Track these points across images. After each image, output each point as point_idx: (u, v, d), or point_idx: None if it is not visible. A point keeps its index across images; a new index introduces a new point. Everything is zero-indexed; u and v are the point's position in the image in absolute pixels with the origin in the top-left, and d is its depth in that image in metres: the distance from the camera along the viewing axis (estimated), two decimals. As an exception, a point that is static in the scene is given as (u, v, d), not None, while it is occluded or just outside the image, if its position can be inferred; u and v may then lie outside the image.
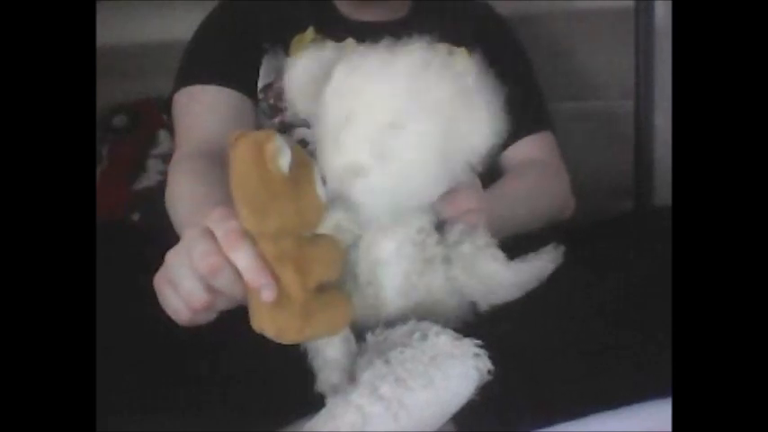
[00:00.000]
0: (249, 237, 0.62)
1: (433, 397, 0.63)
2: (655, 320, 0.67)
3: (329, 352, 0.69)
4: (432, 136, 0.68)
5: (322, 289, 0.64)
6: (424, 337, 0.67)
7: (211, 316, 0.66)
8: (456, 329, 0.72)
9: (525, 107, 1.05)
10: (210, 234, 0.63)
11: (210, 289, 0.62)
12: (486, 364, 0.65)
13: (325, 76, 0.72)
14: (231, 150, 0.62)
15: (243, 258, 0.61)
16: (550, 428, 0.66)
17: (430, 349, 0.66)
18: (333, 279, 0.65)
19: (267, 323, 0.62)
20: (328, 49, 0.75)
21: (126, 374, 0.67)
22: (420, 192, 0.71)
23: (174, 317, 0.65)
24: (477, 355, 0.65)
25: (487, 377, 0.65)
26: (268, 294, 0.60)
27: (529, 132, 1.07)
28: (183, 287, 0.63)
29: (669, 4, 1.34)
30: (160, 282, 0.65)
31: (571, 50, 1.40)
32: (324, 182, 0.65)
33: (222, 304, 0.64)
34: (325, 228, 0.70)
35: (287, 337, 0.62)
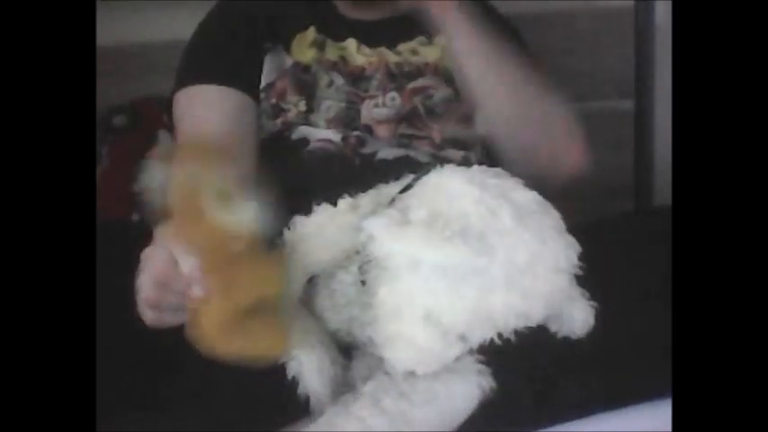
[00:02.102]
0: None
1: (435, 413, 0.63)
2: (655, 321, 0.67)
3: (308, 382, 0.68)
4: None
5: (255, 312, 0.63)
6: None
7: (176, 318, 0.66)
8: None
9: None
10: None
11: (158, 286, 0.64)
12: (488, 381, 0.65)
13: None
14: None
15: (184, 261, 0.63)
16: (551, 428, 0.66)
17: None
18: (265, 300, 0.64)
19: (192, 325, 0.63)
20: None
21: (126, 374, 0.67)
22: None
23: (142, 317, 0.66)
24: (479, 372, 0.65)
25: (489, 394, 0.65)
26: (196, 290, 0.62)
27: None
28: (139, 284, 0.65)
29: (669, 4, 1.34)
30: (136, 282, 0.67)
31: (571, 50, 1.40)
32: (251, 209, 0.65)
33: (173, 304, 0.65)
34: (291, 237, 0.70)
35: (203, 345, 0.63)
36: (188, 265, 0.63)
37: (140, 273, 0.67)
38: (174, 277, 0.64)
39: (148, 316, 0.66)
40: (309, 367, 0.68)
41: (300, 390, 0.68)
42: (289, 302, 0.69)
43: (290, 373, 0.68)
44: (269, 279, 0.66)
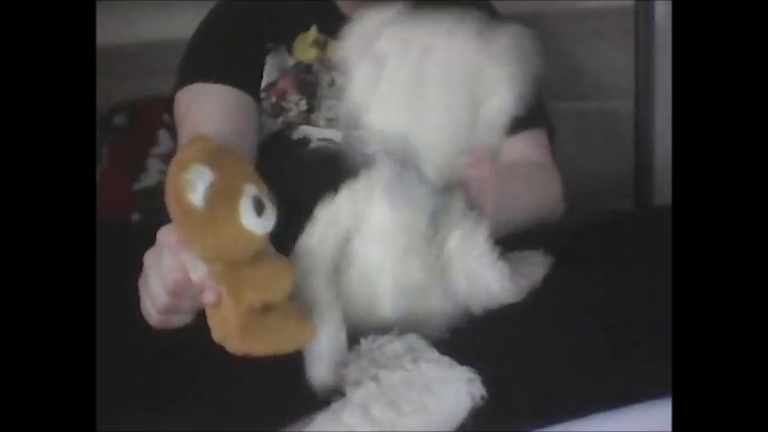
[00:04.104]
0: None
1: (424, 422, 0.63)
2: (655, 320, 0.67)
3: (317, 345, 0.68)
4: (448, 109, 0.69)
5: (268, 309, 0.64)
6: (416, 360, 0.66)
7: (185, 319, 0.67)
8: (455, 331, 0.72)
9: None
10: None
11: (172, 294, 0.64)
12: (479, 389, 0.65)
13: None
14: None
15: (192, 269, 0.63)
16: (551, 428, 0.66)
17: (423, 374, 0.65)
18: (275, 301, 0.65)
19: (213, 330, 0.63)
20: (393, 9, 0.76)
21: (126, 374, 0.67)
22: (426, 155, 0.71)
23: (147, 319, 0.66)
24: (470, 380, 0.65)
25: (480, 402, 0.65)
26: (208, 295, 0.62)
27: (524, 128, 1.04)
28: (150, 289, 0.65)
29: (669, 4, 1.34)
30: (139, 283, 0.67)
31: (571, 50, 1.40)
32: (261, 210, 0.64)
33: (187, 307, 0.66)
34: (327, 212, 0.70)
35: (228, 347, 0.63)
36: (198, 272, 0.63)
37: (148, 277, 0.66)
38: (187, 284, 0.63)
39: (156, 319, 0.66)
40: (316, 357, 0.69)
41: (311, 372, 0.69)
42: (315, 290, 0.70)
43: (307, 366, 0.69)
44: (279, 279, 0.66)
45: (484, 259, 0.73)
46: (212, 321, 0.63)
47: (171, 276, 0.63)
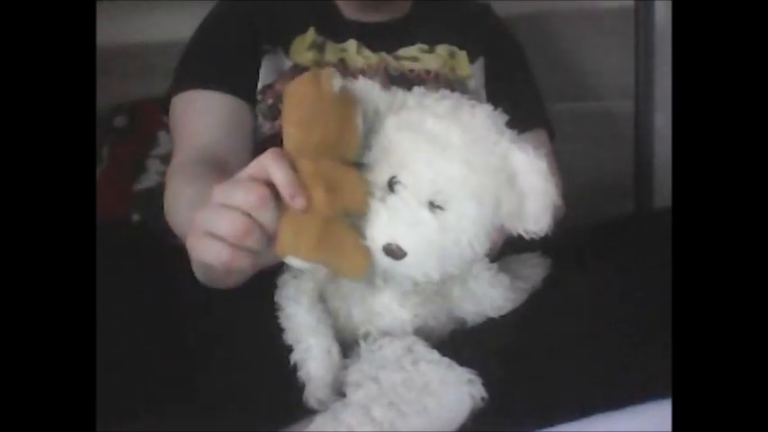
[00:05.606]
0: (288, 158, 0.65)
1: (425, 423, 0.63)
2: (655, 321, 0.67)
3: (312, 367, 0.69)
4: (474, 221, 0.67)
5: (338, 224, 0.64)
6: (417, 361, 0.66)
7: (243, 276, 0.66)
8: (456, 332, 0.72)
9: (520, 104, 1.05)
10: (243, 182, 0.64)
11: (257, 206, 0.62)
12: (479, 390, 0.65)
13: (371, 115, 0.70)
14: (289, 86, 0.67)
15: (280, 172, 0.63)
16: (552, 428, 0.66)
17: (423, 375, 0.65)
18: (357, 212, 0.66)
19: (282, 240, 0.63)
20: (376, 87, 0.71)
21: (126, 375, 0.67)
22: (455, 269, 0.69)
23: (216, 263, 0.62)
24: (470, 381, 0.65)
25: (481, 404, 0.65)
26: (299, 202, 0.62)
27: (524, 130, 1.05)
28: (223, 222, 0.62)
29: (669, 4, 1.35)
30: (194, 239, 0.64)
31: (571, 50, 1.40)
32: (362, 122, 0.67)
33: (255, 244, 0.63)
34: None
35: (302, 253, 0.63)
36: (285, 182, 0.62)
37: (219, 210, 0.62)
38: (270, 197, 0.62)
39: (228, 257, 0.62)
40: (311, 378, 0.69)
41: (306, 393, 0.69)
42: None
43: (301, 375, 0.69)
44: (361, 190, 0.67)
45: (482, 278, 0.73)
46: (287, 230, 0.63)
47: (255, 191, 0.62)
